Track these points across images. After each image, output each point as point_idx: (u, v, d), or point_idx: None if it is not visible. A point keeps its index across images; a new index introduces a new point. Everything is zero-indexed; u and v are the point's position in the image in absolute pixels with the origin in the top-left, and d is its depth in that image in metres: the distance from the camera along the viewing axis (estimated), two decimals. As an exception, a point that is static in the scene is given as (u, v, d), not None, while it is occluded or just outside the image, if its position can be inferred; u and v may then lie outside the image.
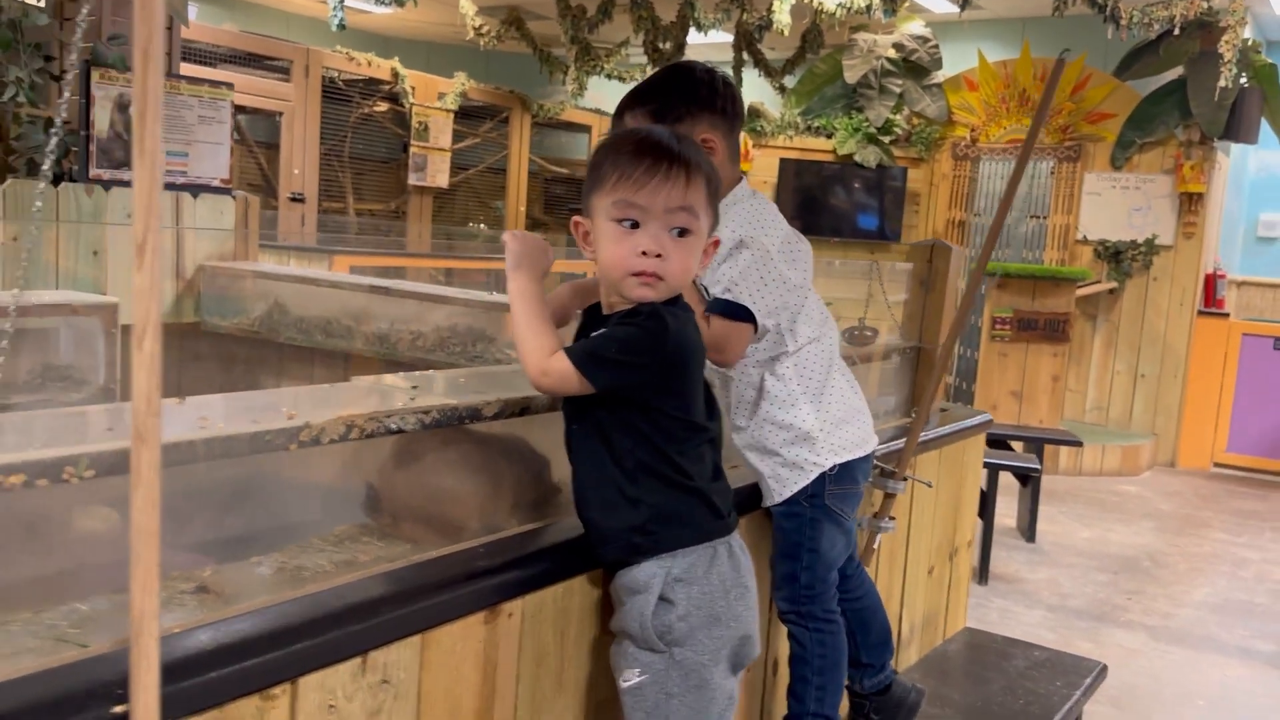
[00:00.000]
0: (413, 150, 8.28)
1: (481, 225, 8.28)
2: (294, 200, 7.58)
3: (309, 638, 0.99)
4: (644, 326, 1.29)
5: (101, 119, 3.28)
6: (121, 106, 3.33)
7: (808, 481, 1.70)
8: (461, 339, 3.14)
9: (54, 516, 1.10)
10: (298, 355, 3.31)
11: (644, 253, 1.28)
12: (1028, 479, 5.10)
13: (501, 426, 1.41)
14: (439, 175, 8.48)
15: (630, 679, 1.31)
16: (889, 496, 2.04)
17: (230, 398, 1.31)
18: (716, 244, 1.39)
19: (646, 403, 1.31)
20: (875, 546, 2.08)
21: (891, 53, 7.86)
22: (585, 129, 9.57)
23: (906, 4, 6.48)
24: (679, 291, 1.35)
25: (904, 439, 2.09)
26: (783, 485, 1.71)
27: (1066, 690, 2.17)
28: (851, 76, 7.88)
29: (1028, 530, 5.20)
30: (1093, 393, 7.56)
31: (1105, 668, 2.35)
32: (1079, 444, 5.46)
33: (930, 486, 2.21)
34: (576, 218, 1.37)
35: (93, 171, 3.26)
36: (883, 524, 2.03)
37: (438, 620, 1.13)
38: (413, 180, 8.36)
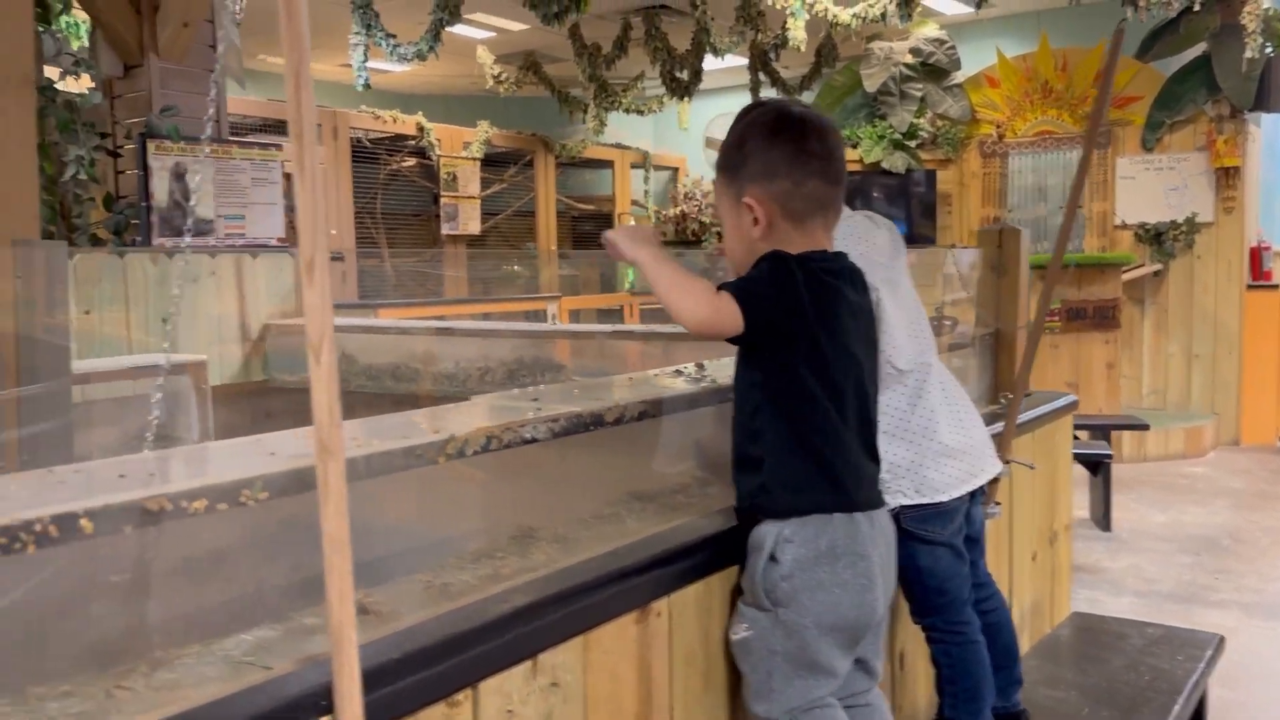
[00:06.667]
0: (443, 200, 8.39)
1: (516, 268, 8.36)
2: (334, 260, 7.68)
3: (484, 642, 0.99)
4: (770, 258, 1.35)
5: (160, 189, 3.35)
6: (177, 175, 3.40)
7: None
8: (529, 369, 3.16)
9: (213, 547, 1.12)
10: (370, 401, 3.35)
11: None
12: (1098, 467, 5.03)
13: (637, 429, 1.41)
14: (470, 223, 8.58)
15: (739, 633, 1.34)
16: (993, 482, 2.01)
17: (356, 422, 1.33)
18: (749, 205, 1.39)
19: (777, 352, 1.32)
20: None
21: (909, 58, 7.88)
22: (608, 164, 9.64)
23: (919, 9, 6.49)
24: (736, 268, 1.42)
25: (999, 424, 2.07)
26: None
27: (1189, 664, 2.13)
28: (871, 85, 7.91)
29: (1102, 519, 5.12)
30: (1148, 377, 7.47)
31: (1223, 639, 2.30)
32: (1146, 427, 5.40)
33: (1033, 468, 2.18)
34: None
35: (156, 240, 3.32)
36: (989, 510, 2.01)
37: (597, 620, 1.13)
38: (446, 230, 8.46)
